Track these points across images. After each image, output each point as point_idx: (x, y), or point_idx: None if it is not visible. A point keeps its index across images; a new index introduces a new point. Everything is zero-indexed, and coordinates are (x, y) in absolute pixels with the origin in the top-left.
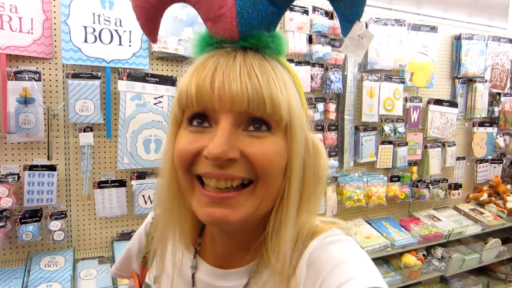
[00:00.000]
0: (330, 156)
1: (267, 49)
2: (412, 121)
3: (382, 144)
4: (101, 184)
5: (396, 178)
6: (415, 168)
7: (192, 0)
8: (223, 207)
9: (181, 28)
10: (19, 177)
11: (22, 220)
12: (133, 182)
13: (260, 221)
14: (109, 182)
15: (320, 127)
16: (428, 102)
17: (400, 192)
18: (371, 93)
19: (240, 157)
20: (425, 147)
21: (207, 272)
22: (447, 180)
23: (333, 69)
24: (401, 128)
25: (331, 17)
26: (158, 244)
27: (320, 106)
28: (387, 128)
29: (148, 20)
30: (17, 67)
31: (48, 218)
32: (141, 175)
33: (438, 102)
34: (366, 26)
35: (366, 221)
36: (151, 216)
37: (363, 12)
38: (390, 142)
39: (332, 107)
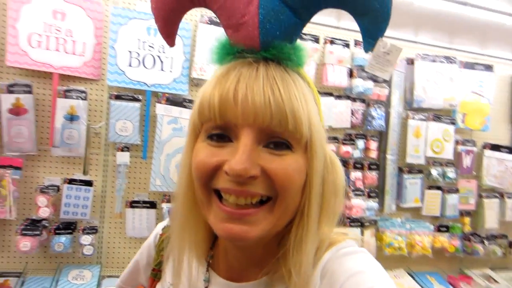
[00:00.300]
0: (369, 197)
1: (289, 61)
2: (465, 166)
3: (428, 189)
4: (133, 204)
5: (445, 228)
6: (467, 219)
7: (214, 6)
8: (242, 223)
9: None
10: (58, 189)
11: (56, 231)
12: (164, 205)
13: (275, 236)
14: (141, 202)
15: (360, 166)
16: (484, 147)
17: (449, 244)
18: (417, 133)
19: (260, 174)
20: (480, 196)
21: (220, 286)
22: (506, 236)
23: (375, 105)
24: (451, 173)
25: None
26: (170, 255)
27: (360, 143)
28: (434, 172)
29: (167, 23)
30: (68, 86)
31: (81, 232)
32: (172, 198)
33: (495, 147)
34: (412, 63)
35: (408, 273)
36: (160, 227)
37: (386, 28)
38: (438, 188)
39: (373, 145)
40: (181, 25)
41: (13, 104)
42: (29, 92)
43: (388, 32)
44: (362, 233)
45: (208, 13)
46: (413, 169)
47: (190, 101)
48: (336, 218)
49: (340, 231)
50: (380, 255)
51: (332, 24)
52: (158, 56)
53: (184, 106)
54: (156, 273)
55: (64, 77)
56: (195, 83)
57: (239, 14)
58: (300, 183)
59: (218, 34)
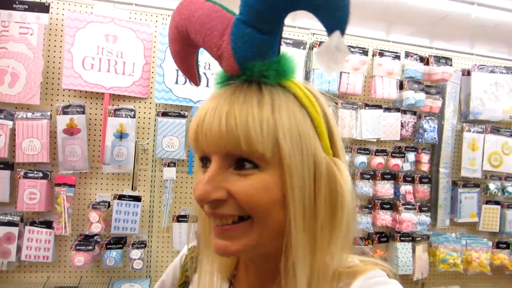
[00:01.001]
0: (421, 211)
1: (263, 78)
2: None
3: (486, 203)
4: (180, 218)
5: (504, 245)
6: None
7: (200, 46)
8: (224, 238)
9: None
10: (109, 205)
11: (108, 246)
12: None
13: (280, 250)
14: (187, 217)
15: (410, 179)
16: None
17: (509, 262)
18: (474, 146)
19: (228, 197)
20: None
21: None
22: None
23: (427, 117)
24: (511, 187)
25: (427, 63)
26: (194, 275)
27: (411, 156)
28: (493, 186)
29: (186, 69)
30: (117, 105)
31: (130, 246)
32: None
33: None
34: (469, 74)
35: None
36: (186, 248)
37: (346, 19)
38: (496, 203)
39: (424, 158)
40: None
41: (67, 125)
42: (82, 112)
43: (442, 44)
44: (414, 248)
45: None
46: (469, 183)
47: None
48: (345, 237)
49: (370, 260)
50: (433, 271)
51: (381, 38)
52: (204, 73)
53: None
54: None
55: (115, 97)
56: None
57: (215, 47)
58: (270, 200)
59: None
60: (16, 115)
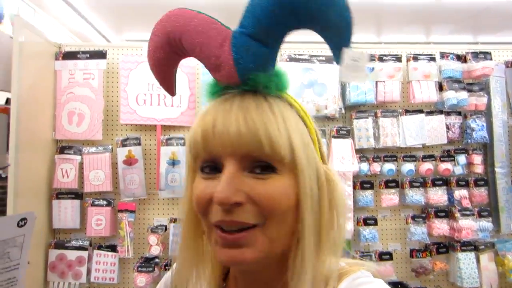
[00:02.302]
0: (480, 216)
1: (266, 89)
2: None
3: None
4: None
5: None
6: None
7: (193, 54)
8: (238, 247)
9: (302, 90)
10: (166, 228)
11: (166, 267)
12: None
13: (281, 261)
14: None
15: (464, 183)
16: None
17: None
18: None
19: (246, 201)
20: None
21: None
22: None
23: (473, 116)
24: None
25: (464, 61)
26: None
27: (462, 158)
28: None
29: (164, 78)
30: (168, 135)
31: None
32: None
33: None
34: None
35: None
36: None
37: (351, 37)
38: None
39: (477, 159)
40: None
41: (126, 156)
42: (139, 144)
43: (487, 38)
44: (478, 258)
45: (286, 52)
46: None
47: None
48: (341, 242)
49: (354, 262)
50: (504, 282)
51: (415, 40)
52: None
53: None
54: None
55: (166, 127)
56: None
57: (214, 56)
58: (288, 203)
59: (298, 68)
60: (83, 150)
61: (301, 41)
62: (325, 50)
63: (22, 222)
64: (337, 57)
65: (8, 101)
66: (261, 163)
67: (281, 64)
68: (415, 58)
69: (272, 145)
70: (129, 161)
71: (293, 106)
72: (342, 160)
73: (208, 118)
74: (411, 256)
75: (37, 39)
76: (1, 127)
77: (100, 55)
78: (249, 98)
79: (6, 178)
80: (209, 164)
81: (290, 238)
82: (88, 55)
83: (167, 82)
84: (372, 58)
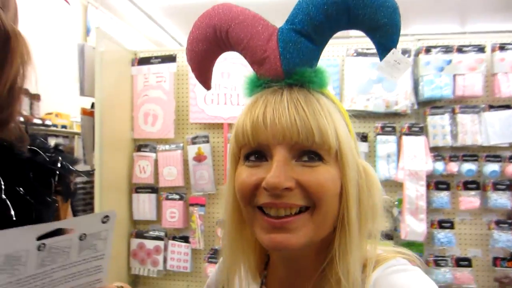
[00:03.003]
0: None
1: (311, 83)
2: None
3: None
4: None
5: None
6: None
7: (239, 47)
8: (284, 232)
9: (370, 86)
10: None
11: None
12: None
13: (321, 249)
14: None
15: None
16: None
17: None
18: None
19: (295, 186)
20: None
21: None
22: None
23: None
24: None
25: None
26: (225, 276)
27: None
28: None
29: (202, 72)
30: None
31: None
32: None
33: None
34: None
35: None
36: None
37: (398, 39)
38: None
39: None
40: (327, 62)
41: (196, 153)
42: (207, 141)
43: None
44: None
45: (354, 47)
46: None
47: None
48: (378, 230)
49: (392, 249)
50: None
51: (499, 29)
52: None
53: None
54: None
55: (232, 125)
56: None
57: (260, 50)
58: (335, 191)
59: (365, 63)
60: (157, 148)
61: None
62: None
63: (105, 219)
64: (383, 57)
65: (93, 105)
66: (309, 152)
67: (348, 59)
68: (502, 48)
69: (322, 135)
70: (199, 158)
71: (335, 102)
72: (414, 159)
73: (258, 108)
74: (494, 264)
75: (116, 47)
76: (89, 128)
77: (170, 59)
78: (297, 91)
79: (93, 174)
80: (255, 153)
81: (332, 226)
82: (160, 59)
83: (205, 76)
84: (449, 49)
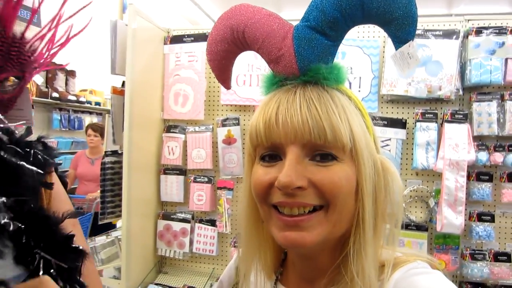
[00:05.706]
0: None
1: (326, 80)
2: None
3: None
4: None
5: None
6: None
7: (256, 46)
8: (298, 230)
9: (413, 69)
10: None
11: None
12: None
13: (338, 246)
14: None
15: None
16: None
17: None
18: None
19: (308, 186)
20: None
21: None
22: None
23: None
24: None
25: None
26: (242, 272)
27: None
28: None
29: (221, 71)
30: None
31: None
32: None
33: None
34: None
35: None
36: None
37: (415, 30)
38: None
39: None
40: (367, 43)
41: (225, 135)
42: (237, 124)
43: None
44: None
45: None
46: None
47: (381, 119)
48: (396, 230)
49: (411, 252)
50: None
51: None
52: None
53: (375, 124)
54: None
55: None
56: (385, 100)
57: (276, 49)
58: (349, 189)
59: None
60: (187, 129)
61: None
62: (443, 23)
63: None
64: (398, 48)
65: (123, 84)
66: (322, 151)
67: (389, 41)
68: None
69: (335, 133)
70: (228, 141)
71: (351, 98)
72: (456, 148)
73: (271, 108)
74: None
75: (148, 25)
76: (119, 108)
77: (203, 37)
78: (311, 88)
79: (121, 154)
80: (269, 153)
81: (348, 224)
82: (192, 38)
83: (225, 75)
84: (503, 31)
